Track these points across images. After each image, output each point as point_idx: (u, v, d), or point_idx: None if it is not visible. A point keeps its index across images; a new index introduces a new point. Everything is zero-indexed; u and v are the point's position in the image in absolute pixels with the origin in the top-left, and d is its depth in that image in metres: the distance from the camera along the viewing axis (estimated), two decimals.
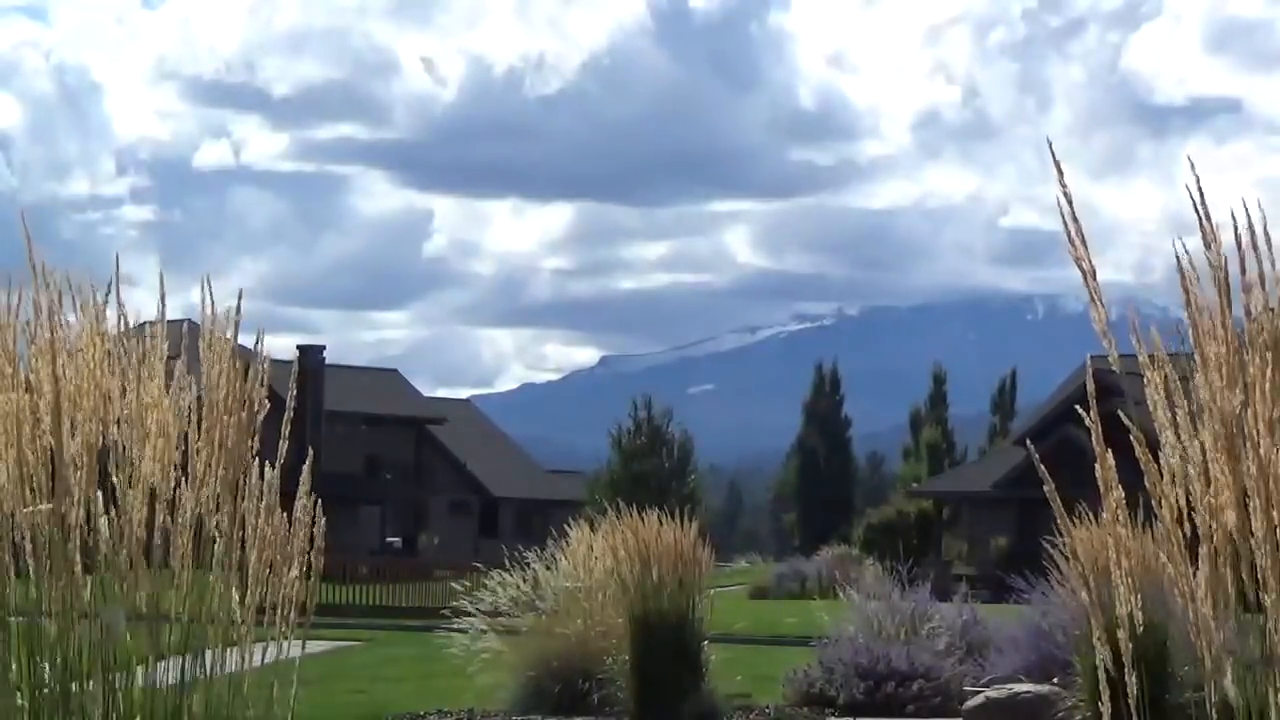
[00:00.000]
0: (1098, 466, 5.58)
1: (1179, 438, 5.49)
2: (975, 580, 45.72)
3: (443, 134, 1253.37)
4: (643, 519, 18.22)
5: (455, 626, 19.66)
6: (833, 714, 18.88)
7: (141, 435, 7.06)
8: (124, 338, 7.22)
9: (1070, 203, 5.46)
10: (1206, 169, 5.57)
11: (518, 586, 19.68)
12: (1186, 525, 5.50)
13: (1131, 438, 5.53)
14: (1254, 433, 5.35)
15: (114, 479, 7.06)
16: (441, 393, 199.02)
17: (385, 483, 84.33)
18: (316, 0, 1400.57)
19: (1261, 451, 5.32)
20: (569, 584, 19.15)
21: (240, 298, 7.25)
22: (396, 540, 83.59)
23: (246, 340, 7.32)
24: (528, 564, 19.89)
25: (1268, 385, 5.34)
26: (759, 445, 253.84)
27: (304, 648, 7.01)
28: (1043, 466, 5.96)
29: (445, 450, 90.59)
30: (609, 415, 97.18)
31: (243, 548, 6.99)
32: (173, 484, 7.04)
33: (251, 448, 7.11)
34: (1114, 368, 5.41)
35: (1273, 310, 5.43)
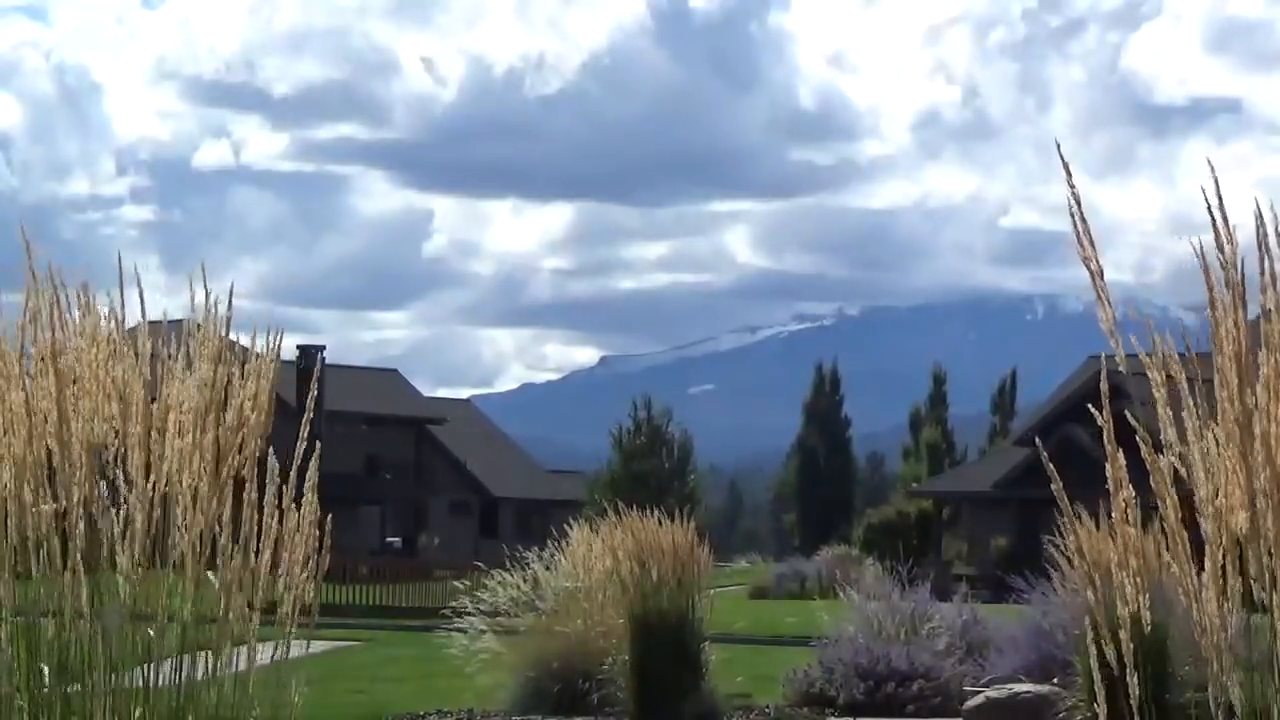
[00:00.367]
0: (1108, 466, 5.56)
1: (1186, 438, 5.47)
2: (975, 580, 45.71)
3: (443, 134, 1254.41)
4: (642, 519, 18.21)
5: (455, 626, 19.64)
6: (833, 714, 18.86)
7: (158, 436, 7.01)
8: (133, 337, 7.18)
9: (1079, 202, 5.44)
10: (1206, 169, 5.55)
11: (518, 586, 19.67)
12: (1188, 525, 5.49)
13: (1138, 438, 5.50)
14: (1266, 433, 5.33)
15: (120, 478, 7.02)
16: (441, 393, 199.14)
17: (385, 483, 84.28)
18: (316, 0, 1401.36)
19: (1274, 452, 5.29)
20: (569, 584, 19.14)
21: (234, 297, 7.22)
22: (396, 540, 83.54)
23: (249, 340, 7.30)
24: (528, 564, 19.88)
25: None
26: (759, 445, 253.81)
27: (308, 647, 6.99)
28: (1047, 466, 5.93)
29: (445, 450, 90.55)
30: (609, 415, 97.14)
31: (258, 549, 6.97)
32: (190, 484, 7.00)
33: (263, 449, 7.10)
34: (1120, 367, 5.39)
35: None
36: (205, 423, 7.05)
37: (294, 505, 7.07)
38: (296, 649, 6.91)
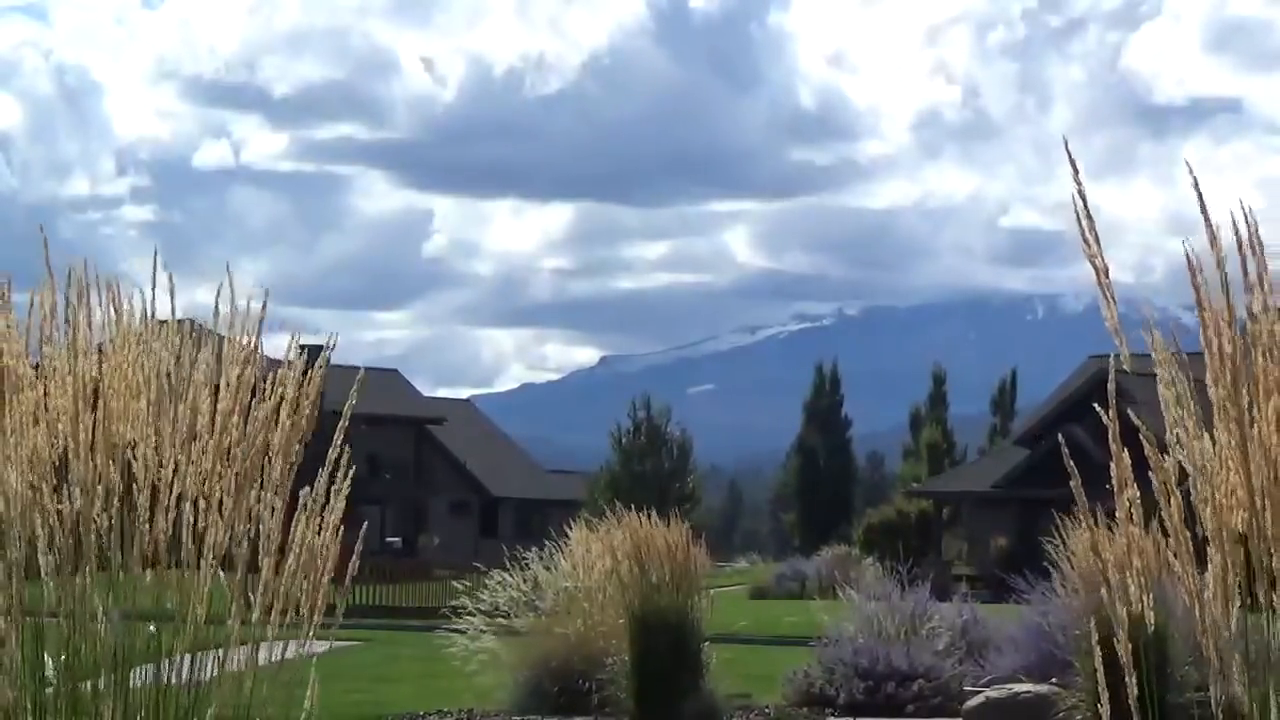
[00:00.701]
0: (1113, 465, 5.55)
1: (1187, 437, 5.47)
2: (975, 580, 45.74)
3: (443, 134, 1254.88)
4: (642, 519, 18.20)
5: (455, 626, 19.64)
6: (833, 714, 18.86)
7: (185, 438, 6.99)
8: (154, 337, 7.14)
9: (1085, 201, 5.43)
10: (1206, 169, 5.55)
11: (517, 586, 19.66)
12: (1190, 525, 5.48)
13: (1141, 437, 5.50)
14: (1263, 432, 5.32)
15: (138, 480, 6.98)
16: (441, 393, 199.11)
17: (385, 483, 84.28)
18: (316, 0, 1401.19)
19: (1272, 452, 5.29)
20: (568, 584, 19.14)
21: (236, 297, 7.20)
22: (396, 540, 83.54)
23: (265, 340, 7.29)
24: (527, 564, 19.88)
25: (1272, 383, 5.32)
26: (759, 445, 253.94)
27: (309, 647, 6.97)
28: (1045, 466, 5.93)
29: (445, 450, 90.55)
30: (609, 415, 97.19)
31: (282, 551, 6.96)
32: (214, 486, 6.97)
33: (296, 451, 7.11)
34: (1125, 367, 5.38)
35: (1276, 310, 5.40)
36: (229, 424, 7.02)
37: (320, 510, 7.10)
38: (293, 650, 6.88)
